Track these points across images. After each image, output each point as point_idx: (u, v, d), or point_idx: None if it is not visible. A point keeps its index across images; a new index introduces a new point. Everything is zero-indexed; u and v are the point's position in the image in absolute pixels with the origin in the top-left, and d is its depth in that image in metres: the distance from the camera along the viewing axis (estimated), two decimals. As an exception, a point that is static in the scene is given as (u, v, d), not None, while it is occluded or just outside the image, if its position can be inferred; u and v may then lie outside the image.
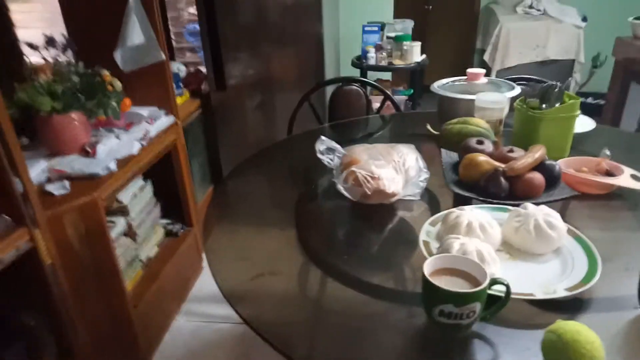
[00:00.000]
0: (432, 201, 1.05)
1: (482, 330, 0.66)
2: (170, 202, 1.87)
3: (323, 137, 1.12)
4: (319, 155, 1.11)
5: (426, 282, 0.63)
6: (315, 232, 0.97)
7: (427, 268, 0.66)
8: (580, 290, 0.69)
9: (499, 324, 0.67)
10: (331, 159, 1.12)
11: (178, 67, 2.21)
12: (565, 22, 3.19)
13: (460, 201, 0.98)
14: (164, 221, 1.90)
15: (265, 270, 0.83)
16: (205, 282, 1.98)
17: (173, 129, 1.80)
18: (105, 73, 1.54)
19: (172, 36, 3.04)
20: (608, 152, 1.06)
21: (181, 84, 2.17)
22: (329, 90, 1.94)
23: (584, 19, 3.23)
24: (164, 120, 1.78)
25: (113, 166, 1.44)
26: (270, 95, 2.44)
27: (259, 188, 1.19)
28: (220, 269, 0.84)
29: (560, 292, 0.68)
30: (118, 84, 1.57)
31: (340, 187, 1.00)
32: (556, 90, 1.13)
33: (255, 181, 1.22)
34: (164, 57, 1.72)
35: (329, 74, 2.63)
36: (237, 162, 1.29)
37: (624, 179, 0.99)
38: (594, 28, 3.34)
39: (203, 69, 2.33)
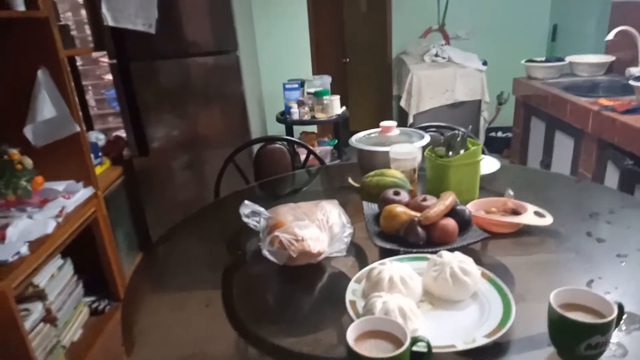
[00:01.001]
0: (358, 255, 1.07)
1: (410, 390, 0.66)
2: (94, 277, 1.76)
3: (247, 202, 1.12)
4: (245, 219, 1.11)
5: (349, 351, 0.63)
6: (244, 302, 0.95)
7: (351, 334, 0.66)
8: (497, 335, 0.72)
9: (426, 380, 0.68)
10: (257, 222, 1.12)
11: (96, 136, 2.14)
12: (468, 67, 3.50)
13: (385, 252, 1.01)
14: (88, 299, 1.78)
15: (192, 352, 0.80)
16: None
17: (93, 201, 1.72)
18: (13, 152, 1.46)
19: (93, 103, 2.96)
20: (511, 192, 1.15)
21: (100, 153, 2.09)
22: (257, 147, 1.96)
23: (485, 63, 3.57)
24: (82, 193, 1.70)
25: (24, 250, 1.34)
26: (197, 156, 2.42)
27: (186, 257, 1.15)
28: (142, 354, 0.79)
29: (480, 340, 0.71)
30: (28, 162, 1.49)
31: (266, 252, 0.99)
32: (459, 138, 1.22)
33: (182, 250, 1.18)
34: (78, 128, 1.67)
35: (255, 131, 2.67)
36: (166, 227, 1.25)
37: (528, 216, 1.07)
38: (495, 70, 3.69)
39: (124, 135, 2.27)
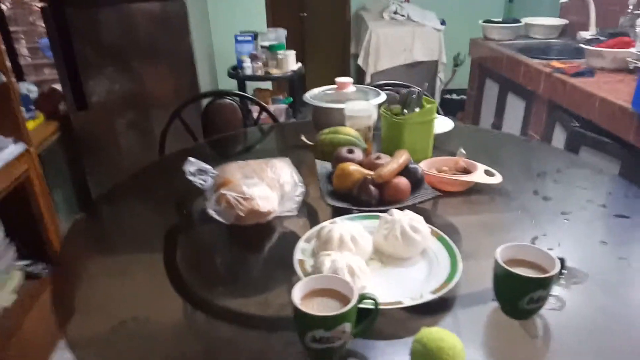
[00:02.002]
0: (310, 215, 1.05)
1: (356, 348, 0.66)
2: (29, 240, 1.65)
3: (191, 159, 1.06)
4: (190, 178, 1.05)
5: (295, 309, 0.61)
6: (189, 265, 0.91)
7: (298, 293, 0.64)
8: (444, 291, 0.72)
9: (372, 337, 0.67)
10: (204, 180, 1.06)
11: (28, 88, 1.96)
12: (427, 26, 3.46)
13: (337, 212, 0.99)
14: (22, 263, 1.67)
15: (133, 316, 0.75)
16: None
17: (25, 158, 1.59)
18: None
19: (26, 52, 2.70)
20: (463, 151, 1.15)
21: (33, 107, 1.92)
22: (206, 103, 1.87)
23: (443, 23, 3.54)
24: (12, 149, 1.56)
25: (-55, 210, 1.22)
26: (142, 113, 2.28)
27: (128, 218, 1.09)
28: (75, 318, 0.74)
29: (426, 296, 0.71)
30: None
31: (212, 212, 0.95)
32: (415, 96, 1.19)
33: (124, 210, 1.12)
34: (4, 78, 1.51)
35: (205, 86, 2.54)
36: (109, 187, 1.17)
37: (478, 175, 1.08)
38: (453, 30, 3.68)
39: (60, 88, 2.10)
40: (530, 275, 0.66)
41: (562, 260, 0.69)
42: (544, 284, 0.65)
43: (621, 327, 0.69)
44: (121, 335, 0.72)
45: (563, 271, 0.70)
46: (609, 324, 0.70)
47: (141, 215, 1.10)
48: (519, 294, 0.66)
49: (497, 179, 1.08)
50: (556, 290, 0.75)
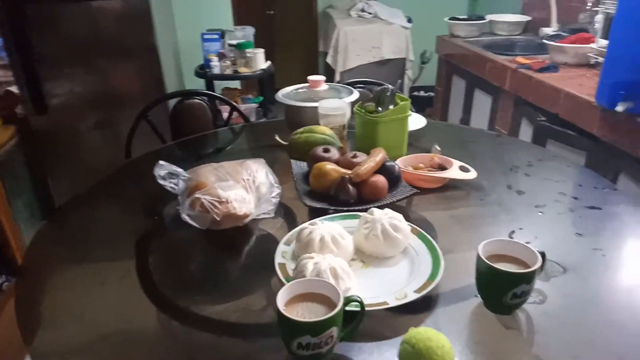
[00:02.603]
0: (287, 216, 1.02)
1: (342, 351, 0.64)
2: (-10, 253, 1.56)
3: (161, 162, 1.02)
4: (161, 182, 1.01)
5: (279, 316, 0.59)
6: (164, 272, 0.87)
7: (282, 298, 0.62)
8: (427, 289, 0.72)
9: (359, 339, 0.66)
10: (175, 184, 1.02)
11: (-19, 91, 1.85)
12: (394, 23, 3.48)
13: (314, 212, 0.97)
14: (-17, 277, 1.58)
15: (105, 332, 0.71)
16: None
17: (-20, 166, 1.50)
18: None
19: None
20: (438, 147, 1.16)
21: (-13, 110, 1.82)
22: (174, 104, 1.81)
23: (409, 20, 3.57)
24: (-34, 157, 1.46)
25: None
26: (106, 115, 2.20)
27: (95, 225, 1.03)
28: (43, 331, 0.70)
29: (411, 296, 0.70)
30: None
31: (186, 217, 0.91)
32: (388, 93, 1.19)
33: (90, 217, 1.06)
34: (-46, 80, 1.41)
35: (171, 86, 2.47)
36: (74, 193, 1.11)
37: (454, 171, 1.08)
38: (419, 28, 3.71)
39: (16, 90, 1.99)
40: (513, 271, 0.66)
41: (543, 254, 0.69)
42: (527, 278, 0.66)
43: (600, 316, 0.70)
44: (94, 347, 0.68)
45: (544, 265, 0.71)
46: (588, 314, 0.71)
47: (110, 222, 1.05)
48: (502, 289, 0.67)
49: (472, 174, 1.09)
50: (537, 283, 0.75)
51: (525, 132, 2.09)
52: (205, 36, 2.64)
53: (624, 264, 0.81)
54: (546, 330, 0.68)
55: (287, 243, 0.85)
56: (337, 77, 3.42)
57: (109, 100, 2.19)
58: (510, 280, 0.66)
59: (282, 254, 0.82)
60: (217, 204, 0.90)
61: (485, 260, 0.67)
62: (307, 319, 0.58)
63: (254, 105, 2.89)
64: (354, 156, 1.06)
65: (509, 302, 0.67)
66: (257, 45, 2.77)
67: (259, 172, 1.04)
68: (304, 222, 0.87)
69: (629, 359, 0.62)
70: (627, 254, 0.84)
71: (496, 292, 0.68)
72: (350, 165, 1.03)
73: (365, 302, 0.67)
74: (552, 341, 0.66)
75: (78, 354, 0.67)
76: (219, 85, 3.00)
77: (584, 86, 1.73)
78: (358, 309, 0.65)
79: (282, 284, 0.65)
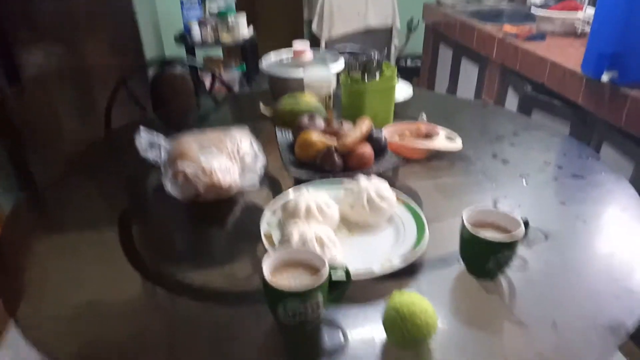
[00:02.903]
0: (272, 186, 1.02)
1: (328, 316, 0.65)
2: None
3: (143, 129, 1.00)
4: (142, 152, 0.99)
5: (265, 284, 0.59)
6: (147, 244, 0.86)
7: (267, 267, 0.62)
8: (412, 257, 0.72)
9: (345, 305, 0.67)
10: (158, 155, 1.00)
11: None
12: (380, -11, 3.40)
13: (300, 182, 0.97)
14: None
15: (90, 299, 0.71)
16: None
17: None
18: None
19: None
20: (424, 117, 1.15)
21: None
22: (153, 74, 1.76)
23: (396, -13, 3.49)
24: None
25: None
26: (84, 85, 2.13)
27: (77, 198, 1.01)
28: (26, 309, 0.69)
29: (396, 263, 0.71)
30: None
31: (169, 188, 0.90)
32: (375, 62, 1.17)
33: (72, 189, 1.04)
34: None
35: (151, 56, 2.39)
36: (53, 166, 1.09)
37: (440, 141, 1.08)
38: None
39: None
40: (497, 239, 0.67)
41: (525, 222, 0.70)
42: (510, 246, 0.67)
43: (578, 282, 0.72)
44: (78, 317, 0.67)
45: (527, 232, 0.72)
46: (567, 280, 0.72)
47: (92, 193, 1.03)
48: (485, 256, 0.68)
49: (457, 144, 1.09)
50: (519, 250, 0.77)
51: (512, 101, 2.09)
52: (185, 3, 2.54)
53: (603, 231, 0.83)
54: (527, 295, 0.69)
55: (273, 212, 0.85)
56: (323, 46, 3.35)
57: (87, 70, 2.12)
58: (492, 247, 0.66)
59: (268, 223, 0.82)
60: (200, 174, 0.89)
61: (469, 227, 0.68)
62: (292, 287, 0.59)
63: (237, 74, 2.83)
64: (340, 126, 1.05)
65: (491, 268, 0.68)
66: (239, 12, 2.69)
67: (243, 141, 1.02)
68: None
69: (603, 321, 0.63)
70: (607, 221, 0.86)
71: (479, 258, 0.69)
72: (336, 135, 1.02)
73: (351, 270, 0.68)
74: (531, 306, 0.67)
75: (62, 323, 0.67)
76: (201, 53, 2.92)
77: (570, 56, 1.73)
78: (344, 277, 0.65)
79: (268, 253, 0.65)
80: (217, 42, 2.60)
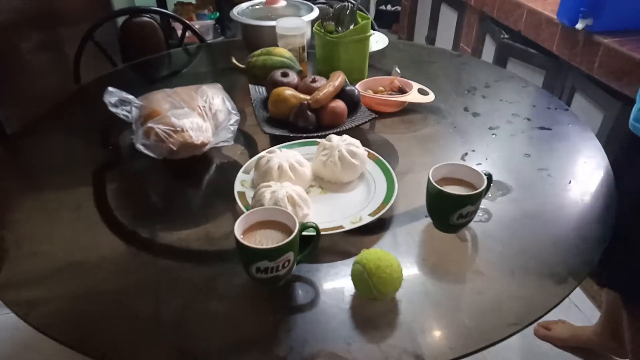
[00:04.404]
0: (248, 143, 1.02)
1: (301, 272, 0.68)
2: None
3: (110, 88, 0.97)
4: (112, 109, 0.97)
5: (238, 244, 0.61)
6: (122, 203, 0.87)
7: (239, 227, 0.64)
8: (381, 213, 0.75)
9: (316, 261, 0.70)
10: (128, 111, 0.98)
11: None
12: None
13: (275, 138, 0.97)
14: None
15: (68, 262, 0.72)
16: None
17: None
18: None
19: None
20: (398, 70, 1.14)
21: None
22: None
23: None
24: None
25: None
26: (50, 35, 2.03)
27: (46, 156, 1.00)
28: (4, 268, 0.70)
29: (366, 219, 0.74)
30: None
31: (140, 146, 0.89)
32: (348, 11, 1.14)
33: (43, 147, 1.02)
34: None
35: (119, 3, 2.27)
36: (22, 121, 1.07)
37: (413, 95, 1.09)
38: None
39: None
40: (458, 193, 0.70)
41: (489, 176, 0.73)
42: (472, 200, 0.69)
43: (538, 232, 0.76)
44: (56, 277, 0.69)
45: (490, 186, 0.74)
46: (527, 231, 0.76)
47: (63, 151, 1.02)
48: (449, 210, 0.71)
49: (430, 97, 1.09)
50: (484, 203, 0.80)
51: (489, 49, 2.08)
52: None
53: (565, 182, 0.86)
54: (489, 246, 0.73)
55: (246, 171, 0.86)
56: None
57: (52, 19, 2.01)
58: (456, 202, 0.69)
59: (242, 183, 0.83)
60: (172, 133, 0.88)
61: (434, 183, 0.70)
62: (263, 246, 0.61)
63: (211, 22, 2.72)
64: (313, 81, 1.04)
65: (455, 222, 0.71)
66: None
67: (215, 98, 1.01)
68: (264, 149, 0.87)
69: (558, 269, 0.68)
70: (570, 172, 0.89)
71: (443, 213, 0.72)
72: (309, 91, 1.01)
73: (323, 226, 0.70)
74: (493, 256, 0.71)
75: (40, 284, 0.69)
76: (172, 0, 2.79)
77: (547, 2, 1.71)
78: (314, 234, 0.67)
79: (242, 212, 0.67)
80: (188, -14, 2.47)
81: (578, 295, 1.59)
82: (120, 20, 1.62)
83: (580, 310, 1.54)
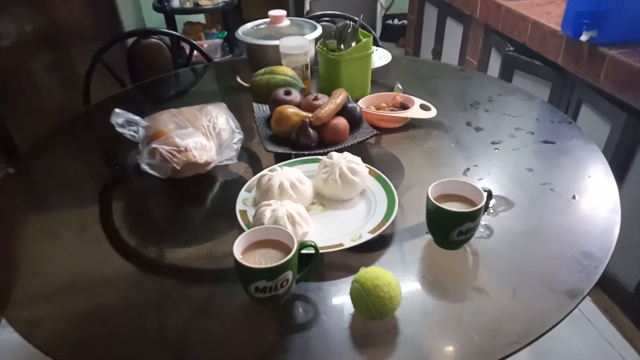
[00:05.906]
0: (251, 161, 1.03)
1: (300, 291, 0.68)
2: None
3: (117, 110, 1.00)
4: (120, 130, 1.00)
5: (236, 263, 0.62)
6: (126, 222, 0.88)
7: (239, 246, 0.65)
8: (381, 230, 0.75)
9: (316, 279, 0.70)
10: (135, 132, 1.01)
11: None
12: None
13: (278, 156, 0.98)
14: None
15: (71, 282, 0.73)
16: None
17: None
18: None
19: None
20: (400, 86, 1.15)
21: None
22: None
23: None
24: None
25: None
26: (60, 55, 2.09)
27: (56, 175, 1.02)
28: (8, 285, 0.72)
29: (365, 236, 0.74)
30: None
31: (145, 166, 0.91)
32: (350, 29, 1.15)
33: (51, 167, 1.05)
34: None
35: (129, 24, 2.33)
36: (32, 141, 1.10)
37: (415, 110, 1.09)
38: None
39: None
40: (456, 211, 0.70)
41: (488, 193, 0.73)
42: (471, 217, 0.69)
43: (539, 249, 0.75)
44: (59, 296, 0.70)
45: (491, 202, 0.74)
46: (528, 247, 0.76)
47: (71, 171, 1.04)
48: (449, 227, 0.70)
49: (432, 112, 1.10)
50: (485, 219, 0.80)
51: (495, 62, 2.08)
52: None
53: (568, 197, 0.86)
54: (489, 263, 0.73)
55: (248, 190, 0.87)
56: (307, 7, 3.27)
57: (60, 40, 2.06)
58: (455, 219, 0.69)
59: (243, 201, 0.84)
60: (176, 153, 0.90)
61: (433, 200, 0.71)
62: (261, 265, 0.61)
63: (219, 40, 2.77)
64: (316, 98, 1.05)
65: (455, 238, 0.71)
66: (219, -26, 2.60)
67: (219, 117, 1.03)
68: (268, 167, 0.88)
69: (560, 287, 0.67)
70: (574, 186, 0.89)
71: (443, 230, 0.72)
72: (311, 108, 1.02)
73: (323, 244, 0.71)
74: (493, 274, 0.71)
75: (44, 303, 0.70)
76: (181, 20, 2.85)
77: (551, 14, 1.71)
78: (313, 252, 0.68)
79: (244, 231, 0.68)
80: (196, 6, 2.53)
81: (591, 309, 1.56)
82: (130, 41, 1.66)
83: (592, 324, 1.51)
